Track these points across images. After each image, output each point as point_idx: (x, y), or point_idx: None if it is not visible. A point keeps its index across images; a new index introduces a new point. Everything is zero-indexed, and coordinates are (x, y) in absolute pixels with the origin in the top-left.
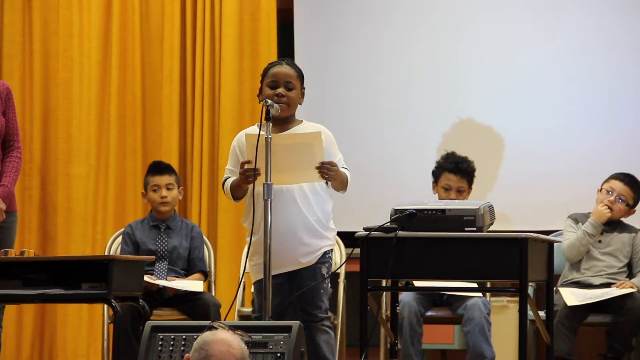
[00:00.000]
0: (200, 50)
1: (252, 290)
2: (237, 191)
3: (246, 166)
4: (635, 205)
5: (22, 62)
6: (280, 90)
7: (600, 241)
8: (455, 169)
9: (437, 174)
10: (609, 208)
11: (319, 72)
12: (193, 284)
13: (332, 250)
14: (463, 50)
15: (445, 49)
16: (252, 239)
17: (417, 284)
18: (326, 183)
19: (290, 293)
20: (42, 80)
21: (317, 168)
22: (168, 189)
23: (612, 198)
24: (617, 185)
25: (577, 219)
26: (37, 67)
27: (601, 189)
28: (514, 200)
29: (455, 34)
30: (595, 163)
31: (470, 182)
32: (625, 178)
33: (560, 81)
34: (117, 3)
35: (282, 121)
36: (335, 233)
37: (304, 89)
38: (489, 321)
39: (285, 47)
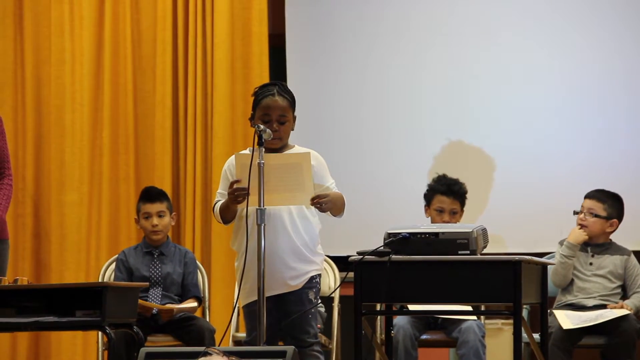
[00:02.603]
0: (192, 76)
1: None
2: (226, 213)
3: (235, 185)
4: (610, 216)
5: (15, 89)
6: (274, 126)
7: (591, 263)
8: (447, 191)
9: (429, 196)
10: (582, 227)
11: (311, 96)
12: (187, 305)
13: (319, 275)
14: (453, 72)
15: (436, 70)
16: (237, 263)
17: (411, 307)
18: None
19: (278, 319)
20: (34, 108)
21: (311, 204)
22: (159, 216)
23: (581, 215)
24: (586, 202)
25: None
26: (29, 95)
27: (576, 212)
28: (508, 222)
29: (446, 56)
30: (589, 184)
31: (462, 204)
32: (593, 193)
33: (552, 102)
34: (108, 30)
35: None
36: (323, 258)
37: (295, 115)
38: (483, 344)
39: (277, 71)
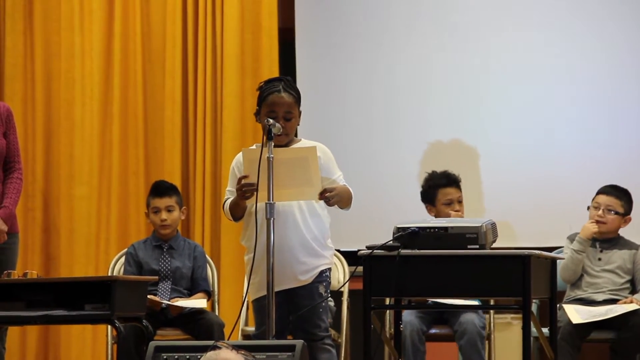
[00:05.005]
0: (202, 70)
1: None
2: (236, 210)
3: (243, 181)
4: (627, 213)
5: (24, 83)
6: (280, 122)
7: (600, 259)
8: (449, 182)
9: (431, 194)
10: (599, 223)
11: (320, 90)
12: (196, 302)
13: (330, 269)
14: (464, 67)
15: (446, 65)
16: (247, 258)
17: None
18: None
19: (289, 312)
20: (44, 102)
21: (319, 199)
22: (168, 210)
23: (599, 212)
24: (602, 198)
25: (574, 239)
26: (39, 89)
27: (590, 207)
28: (517, 217)
29: (456, 51)
30: (597, 179)
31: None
32: (608, 189)
33: (560, 97)
34: (118, 24)
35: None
36: (333, 252)
37: (300, 110)
38: (482, 335)
39: (287, 66)
